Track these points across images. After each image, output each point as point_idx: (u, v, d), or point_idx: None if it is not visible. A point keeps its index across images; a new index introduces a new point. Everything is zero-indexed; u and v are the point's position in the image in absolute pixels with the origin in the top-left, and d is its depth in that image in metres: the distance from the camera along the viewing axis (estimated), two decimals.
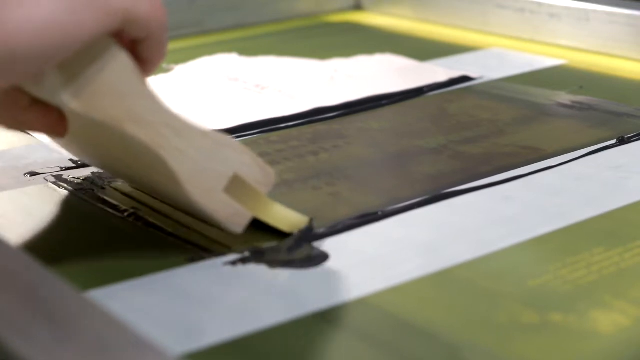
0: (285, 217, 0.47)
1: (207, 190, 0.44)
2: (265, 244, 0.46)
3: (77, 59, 0.41)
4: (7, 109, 0.45)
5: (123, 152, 0.46)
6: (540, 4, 0.84)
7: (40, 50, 0.39)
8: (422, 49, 0.83)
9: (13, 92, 0.44)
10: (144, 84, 0.43)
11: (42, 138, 0.61)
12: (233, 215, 0.45)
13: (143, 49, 0.44)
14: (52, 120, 0.45)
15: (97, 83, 0.42)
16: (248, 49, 0.83)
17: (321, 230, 0.47)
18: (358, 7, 1.01)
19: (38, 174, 0.56)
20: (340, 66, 0.77)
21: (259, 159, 0.46)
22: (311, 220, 0.47)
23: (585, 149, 0.57)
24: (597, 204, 0.50)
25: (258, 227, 0.47)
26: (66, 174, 0.55)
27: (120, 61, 0.42)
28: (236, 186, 0.45)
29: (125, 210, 0.50)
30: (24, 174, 0.56)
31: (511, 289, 0.42)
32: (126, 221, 0.49)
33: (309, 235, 0.47)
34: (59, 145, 0.54)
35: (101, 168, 0.54)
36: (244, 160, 0.45)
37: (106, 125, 0.43)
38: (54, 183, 0.54)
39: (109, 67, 0.42)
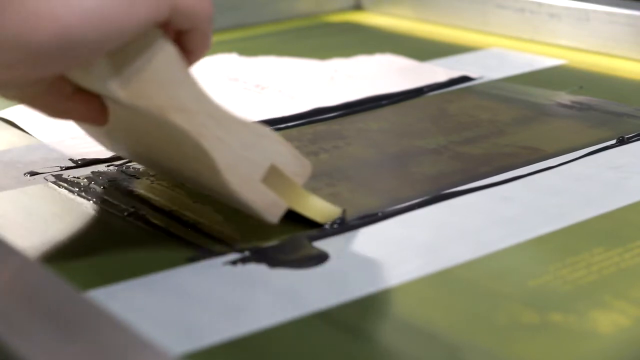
0: (319, 207, 0.48)
1: (245, 179, 0.45)
2: (265, 243, 0.46)
3: (125, 49, 0.42)
4: (51, 97, 0.46)
5: (162, 142, 0.47)
6: (540, 4, 0.84)
7: (95, 39, 0.40)
8: (422, 49, 0.83)
9: (57, 80, 0.45)
10: (188, 74, 0.44)
11: (42, 138, 0.62)
12: (269, 205, 0.46)
13: (188, 40, 0.45)
14: (93, 109, 0.47)
15: (144, 73, 0.43)
16: (248, 49, 0.83)
17: (353, 222, 0.48)
18: (358, 7, 1.01)
19: (38, 173, 0.56)
20: (340, 66, 0.77)
21: (295, 150, 0.47)
22: (344, 211, 0.48)
23: (585, 149, 0.57)
24: (597, 204, 0.50)
25: (292, 217, 0.47)
26: (66, 174, 0.55)
27: (167, 52, 0.43)
28: (273, 176, 0.46)
29: (126, 210, 0.50)
30: (24, 174, 0.56)
31: (511, 289, 0.42)
32: (126, 221, 0.49)
33: (341, 225, 0.47)
34: (91, 137, 0.54)
35: (135, 159, 0.55)
36: (281, 151, 0.46)
37: (150, 113, 0.43)
38: (53, 183, 0.54)
39: (156, 58, 0.43)
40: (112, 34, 0.41)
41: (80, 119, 0.48)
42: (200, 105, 0.44)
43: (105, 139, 0.53)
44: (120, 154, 0.56)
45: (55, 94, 0.45)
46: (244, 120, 0.46)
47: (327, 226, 0.48)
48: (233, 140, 0.45)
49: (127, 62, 0.43)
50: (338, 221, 0.48)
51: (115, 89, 0.43)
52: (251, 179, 0.46)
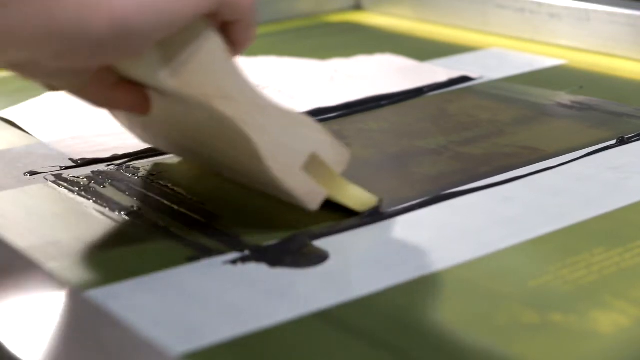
0: (356, 196, 0.49)
1: (286, 167, 0.47)
2: (265, 242, 0.46)
3: (174, 39, 0.44)
4: (97, 87, 0.47)
5: (204, 131, 0.48)
6: (540, 4, 0.84)
7: (149, 29, 0.42)
8: (422, 49, 0.83)
9: (103, 71, 0.46)
10: (233, 64, 0.45)
11: (42, 138, 0.62)
12: (309, 193, 0.48)
13: (233, 31, 0.46)
14: (136, 98, 0.48)
15: (192, 62, 0.44)
16: (248, 49, 0.83)
17: (390, 210, 0.49)
18: (358, 7, 1.01)
19: (38, 173, 0.56)
20: (340, 66, 0.77)
21: (334, 139, 0.48)
22: (380, 200, 0.49)
23: (585, 150, 0.57)
24: (597, 204, 0.50)
25: (329, 205, 0.48)
26: (66, 173, 0.55)
27: (213, 42, 0.44)
28: (313, 164, 0.48)
29: (125, 209, 0.50)
30: (24, 173, 0.56)
31: (511, 289, 0.42)
32: (126, 220, 0.49)
33: (376, 214, 0.49)
34: (127, 129, 0.55)
35: (172, 150, 0.56)
36: (321, 140, 0.48)
37: (196, 102, 0.45)
38: (53, 182, 0.54)
39: (204, 48, 0.44)
40: (165, 24, 0.42)
41: (123, 108, 0.49)
42: (244, 94, 0.45)
43: (141, 130, 0.54)
44: (156, 146, 0.57)
45: (101, 84, 0.47)
46: (285, 108, 0.47)
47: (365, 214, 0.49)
48: (275, 128, 0.46)
49: (176, 52, 0.44)
50: (373, 209, 0.49)
51: (165, 78, 0.44)
52: (292, 167, 0.47)
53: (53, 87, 0.48)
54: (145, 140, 0.56)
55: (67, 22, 0.40)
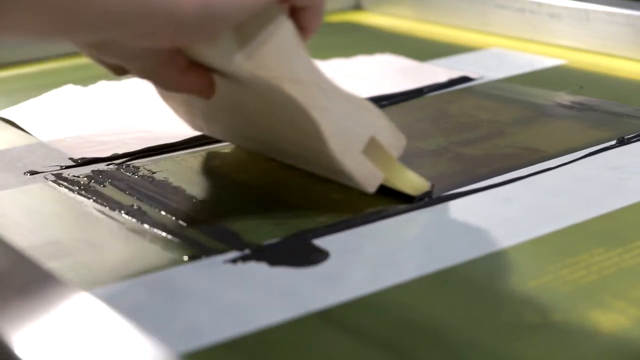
0: (411, 180, 0.51)
1: (347, 149, 0.49)
2: (265, 241, 0.46)
3: (249, 23, 0.45)
4: (168, 70, 0.48)
5: (267, 115, 0.51)
6: (540, 4, 0.84)
7: (232, 11, 0.44)
8: (422, 49, 0.83)
9: (174, 53, 0.48)
10: (303, 48, 0.47)
11: (42, 137, 0.62)
12: (368, 176, 0.50)
13: (303, 18, 0.48)
14: (203, 82, 0.49)
15: (266, 46, 0.46)
16: None
17: (441, 194, 0.50)
18: (358, 7, 1.01)
19: (38, 172, 0.56)
20: (340, 66, 0.77)
21: (392, 124, 0.50)
22: (432, 186, 0.51)
23: (586, 150, 0.57)
24: (597, 204, 0.50)
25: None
26: (66, 173, 0.55)
27: (286, 27, 0.46)
28: (371, 148, 0.49)
29: (126, 208, 0.50)
30: (24, 173, 0.56)
31: (511, 289, 0.42)
32: (126, 219, 0.49)
33: (429, 198, 0.50)
34: (180, 117, 0.58)
35: (230, 137, 0.58)
36: (381, 124, 0.50)
37: (266, 85, 0.46)
38: (53, 181, 0.54)
39: (278, 32, 0.46)
40: (246, 8, 0.44)
41: (190, 91, 0.50)
42: (312, 78, 0.47)
43: (200, 119, 0.56)
44: (212, 134, 0.58)
45: (172, 67, 0.48)
46: (349, 93, 0.49)
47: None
48: (338, 112, 0.48)
49: (252, 35, 0.45)
50: (426, 194, 0.50)
51: (240, 61, 0.46)
52: (353, 150, 0.49)
53: (121, 71, 0.50)
54: (197, 128, 0.58)
55: (161, 3, 0.41)
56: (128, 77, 0.55)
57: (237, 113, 0.53)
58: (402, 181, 0.51)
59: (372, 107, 0.49)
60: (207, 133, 0.58)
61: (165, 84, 0.50)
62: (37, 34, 0.42)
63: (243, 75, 0.47)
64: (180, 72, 0.49)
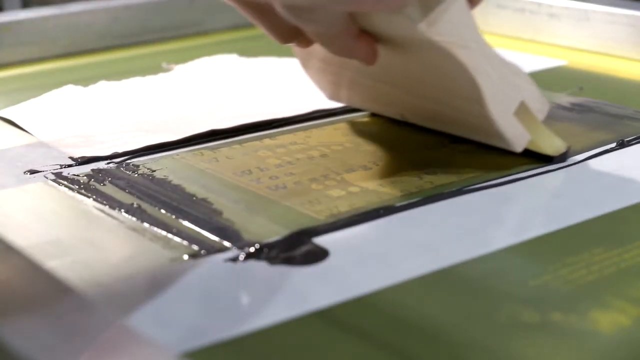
0: (550, 141, 0.55)
1: (502, 111, 0.53)
2: (265, 240, 0.46)
3: None
4: (343, 37, 0.52)
5: (421, 80, 0.55)
6: (540, 4, 0.84)
7: None
8: None
9: (349, 21, 0.52)
10: (472, 17, 0.52)
11: (42, 136, 0.62)
12: (517, 136, 0.54)
13: None
14: (370, 49, 0.54)
15: (446, 14, 0.50)
16: (248, 49, 0.83)
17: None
18: None
19: (38, 171, 0.56)
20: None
21: (538, 90, 0.55)
22: (569, 147, 0.55)
23: (586, 153, 0.57)
24: (597, 205, 0.50)
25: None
26: (66, 172, 0.55)
27: None
28: (519, 111, 0.54)
29: (125, 207, 0.50)
30: (24, 172, 0.56)
31: (511, 289, 0.42)
32: (126, 218, 0.49)
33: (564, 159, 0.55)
34: (323, 91, 0.63)
35: (368, 104, 0.62)
36: (530, 90, 0.55)
37: (438, 50, 0.51)
38: (53, 181, 0.54)
39: (456, 1, 0.50)
40: None
41: (358, 57, 0.54)
42: (477, 45, 0.52)
43: (338, 86, 0.61)
44: (346, 101, 0.63)
45: (347, 34, 0.52)
46: (505, 59, 0.54)
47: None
48: (497, 76, 0.53)
49: (434, 4, 0.50)
50: (563, 155, 0.55)
51: (423, 27, 0.50)
52: (506, 111, 0.53)
53: (290, 38, 0.55)
54: (335, 97, 0.63)
55: None
56: (291, 44, 0.58)
57: (387, 80, 0.58)
58: (543, 142, 0.55)
59: (522, 73, 0.55)
60: (344, 102, 0.63)
61: (339, 49, 0.53)
62: None
63: (416, 42, 0.51)
64: (354, 39, 0.53)
